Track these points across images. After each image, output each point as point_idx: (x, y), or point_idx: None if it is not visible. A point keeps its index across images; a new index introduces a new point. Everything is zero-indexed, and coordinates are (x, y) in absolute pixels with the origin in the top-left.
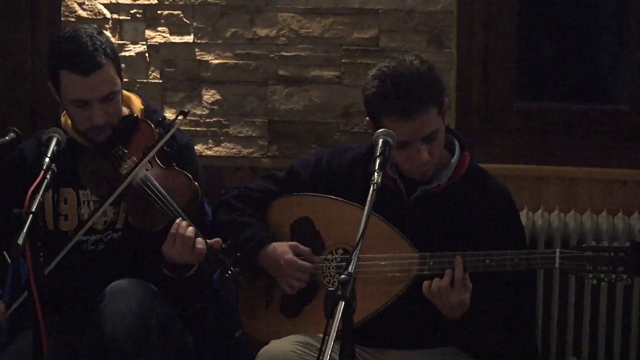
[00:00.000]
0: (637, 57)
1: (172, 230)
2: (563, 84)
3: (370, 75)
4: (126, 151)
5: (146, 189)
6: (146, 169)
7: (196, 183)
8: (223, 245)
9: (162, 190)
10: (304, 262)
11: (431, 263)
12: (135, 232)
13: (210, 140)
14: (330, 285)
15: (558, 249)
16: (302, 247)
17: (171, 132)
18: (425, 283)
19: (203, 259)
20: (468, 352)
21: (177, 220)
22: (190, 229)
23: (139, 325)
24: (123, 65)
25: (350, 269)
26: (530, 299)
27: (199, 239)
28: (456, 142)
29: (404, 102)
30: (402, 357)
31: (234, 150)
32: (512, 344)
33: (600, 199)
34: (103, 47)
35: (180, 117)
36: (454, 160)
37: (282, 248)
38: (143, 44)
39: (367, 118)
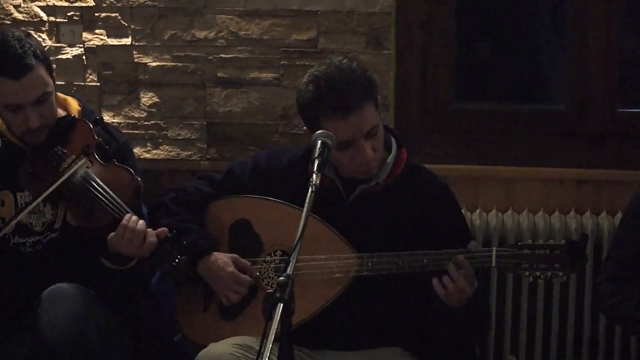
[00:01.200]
0: (574, 58)
1: (124, 222)
2: (501, 84)
3: (303, 82)
4: (65, 151)
5: (88, 186)
6: (87, 167)
7: (138, 178)
8: (168, 235)
9: (104, 186)
10: (244, 277)
11: (369, 264)
12: (74, 231)
13: (148, 143)
14: (269, 287)
15: (495, 248)
16: (243, 260)
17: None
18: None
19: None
20: (410, 351)
21: (128, 215)
22: (142, 222)
23: (78, 330)
24: (54, 66)
25: (289, 271)
26: (484, 297)
27: (150, 231)
28: (393, 140)
29: (340, 100)
30: (342, 358)
31: (173, 153)
32: (461, 344)
33: (537, 198)
34: (32, 49)
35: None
36: (391, 158)
37: (223, 260)
38: (80, 47)
39: (305, 127)
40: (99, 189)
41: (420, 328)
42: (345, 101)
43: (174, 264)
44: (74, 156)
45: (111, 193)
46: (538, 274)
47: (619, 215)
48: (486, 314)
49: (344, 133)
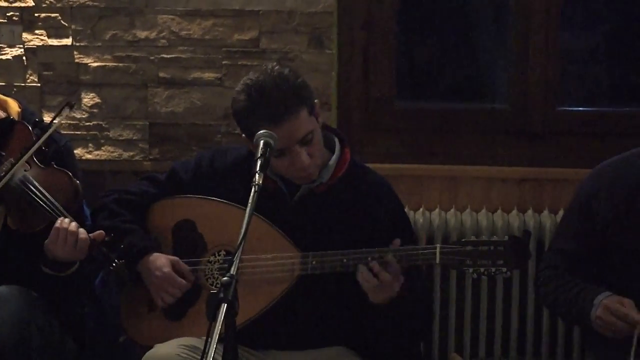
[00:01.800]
0: (515, 57)
1: (56, 224)
2: (443, 83)
3: (236, 91)
4: (3, 154)
5: (25, 189)
6: (25, 170)
7: (77, 181)
8: (106, 239)
9: (42, 189)
10: (181, 280)
11: (314, 262)
12: (14, 234)
13: (90, 144)
14: (213, 287)
15: (439, 245)
16: (182, 263)
17: (53, 128)
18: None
19: (86, 254)
20: (355, 350)
21: (61, 218)
22: (73, 223)
23: (19, 334)
24: None
25: (232, 270)
26: (428, 295)
27: (82, 231)
28: (336, 140)
29: (271, 109)
30: (287, 357)
31: (115, 153)
32: (404, 343)
33: (479, 197)
34: None
35: (66, 108)
36: (334, 158)
37: (162, 261)
38: (20, 47)
39: (243, 135)
40: (37, 192)
41: (362, 327)
42: (277, 109)
43: (112, 267)
44: (12, 159)
45: (49, 196)
46: (482, 270)
47: (561, 212)
48: (424, 312)
49: (278, 141)
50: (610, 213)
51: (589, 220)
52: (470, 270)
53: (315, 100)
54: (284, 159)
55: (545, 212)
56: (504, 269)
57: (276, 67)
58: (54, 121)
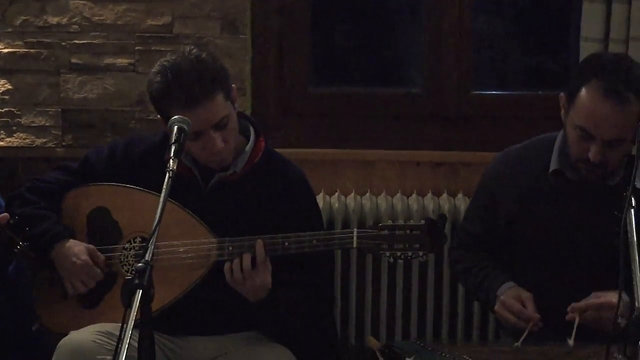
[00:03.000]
0: (429, 41)
1: None
2: (358, 68)
3: (152, 72)
4: None
5: None
6: None
7: None
8: (10, 221)
9: None
10: (96, 269)
11: (230, 248)
12: None
13: (2, 131)
14: (128, 274)
15: (355, 229)
16: (98, 253)
17: None
18: (227, 268)
19: None
20: (269, 336)
21: None
22: None
23: None
24: None
25: (147, 256)
26: (329, 280)
27: None
28: (251, 128)
29: (187, 92)
30: (203, 343)
31: (27, 140)
32: (312, 326)
33: (395, 181)
34: None
35: None
36: (248, 146)
37: (79, 248)
38: None
39: (159, 116)
40: None
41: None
42: (192, 92)
43: (16, 250)
44: None
45: None
46: (398, 254)
47: None
48: (315, 301)
49: (192, 124)
50: (512, 198)
51: (493, 204)
52: (387, 254)
53: (233, 86)
54: (198, 142)
55: (460, 196)
56: (421, 253)
57: (194, 50)
58: None
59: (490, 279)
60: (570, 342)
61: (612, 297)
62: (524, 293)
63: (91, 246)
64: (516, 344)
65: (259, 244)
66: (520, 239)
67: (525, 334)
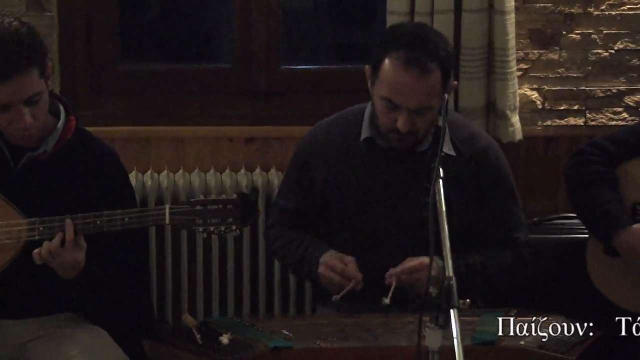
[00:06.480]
0: (238, 16)
1: None
2: (168, 44)
3: None
4: None
5: None
6: None
7: None
8: None
9: None
10: None
11: (41, 228)
12: None
13: None
14: None
15: (168, 205)
16: None
17: None
18: (36, 251)
19: None
20: (84, 317)
21: None
22: None
23: None
24: None
25: None
26: (143, 258)
27: None
28: (61, 107)
29: (1, 62)
30: (17, 326)
31: None
32: (127, 305)
33: (207, 157)
34: None
35: None
36: (59, 125)
37: None
38: None
39: None
40: None
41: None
42: (6, 63)
43: None
44: None
45: None
46: (212, 229)
47: None
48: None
49: (1, 96)
50: (326, 169)
51: (307, 179)
52: (201, 229)
53: (49, 64)
54: (5, 115)
55: (273, 170)
56: (234, 227)
57: (14, 23)
58: None
59: (311, 250)
60: (387, 300)
61: (425, 260)
62: (346, 257)
63: None
64: (335, 296)
65: (68, 222)
66: (335, 209)
67: (346, 290)
